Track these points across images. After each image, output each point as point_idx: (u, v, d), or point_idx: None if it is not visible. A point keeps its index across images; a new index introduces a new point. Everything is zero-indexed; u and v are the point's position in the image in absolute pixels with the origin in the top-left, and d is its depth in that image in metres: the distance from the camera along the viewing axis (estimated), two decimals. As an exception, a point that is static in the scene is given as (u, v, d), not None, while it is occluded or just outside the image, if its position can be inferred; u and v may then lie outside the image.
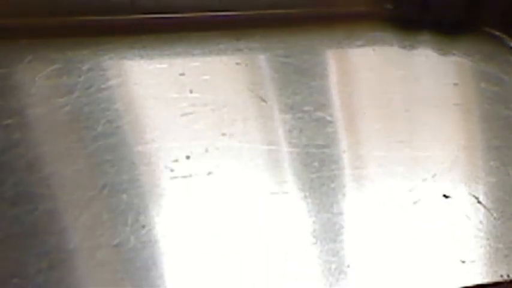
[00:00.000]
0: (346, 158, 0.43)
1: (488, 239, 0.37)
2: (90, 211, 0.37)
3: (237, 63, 0.52)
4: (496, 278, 0.35)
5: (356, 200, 0.40)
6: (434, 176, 0.42)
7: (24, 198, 0.38)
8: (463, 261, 0.35)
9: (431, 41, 0.56)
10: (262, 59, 0.53)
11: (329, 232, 0.37)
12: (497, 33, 0.57)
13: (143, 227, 0.36)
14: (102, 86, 0.48)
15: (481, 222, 0.38)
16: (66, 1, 0.54)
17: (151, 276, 0.34)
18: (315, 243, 0.36)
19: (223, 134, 0.44)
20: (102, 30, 0.53)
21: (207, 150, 0.42)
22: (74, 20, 0.54)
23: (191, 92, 0.48)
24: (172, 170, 0.41)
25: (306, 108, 0.47)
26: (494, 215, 0.39)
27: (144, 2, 0.55)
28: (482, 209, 0.39)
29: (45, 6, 0.54)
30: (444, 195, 0.40)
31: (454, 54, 0.54)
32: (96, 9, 0.54)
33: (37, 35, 0.52)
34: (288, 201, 0.39)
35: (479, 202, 0.39)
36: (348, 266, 0.35)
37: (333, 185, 0.40)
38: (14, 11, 0.53)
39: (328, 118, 0.46)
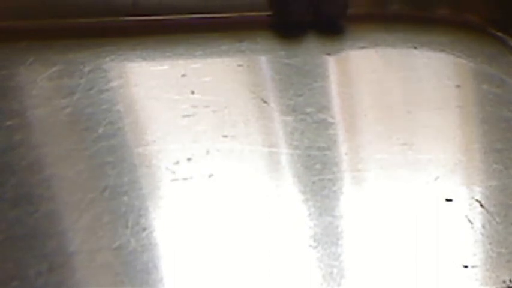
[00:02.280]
0: (347, 161, 0.43)
1: (490, 243, 0.37)
2: (91, 213, 0.37)
3: (239, 65, 0.52)
4: (498, 284, 0.34)
5: (357, 203, 0.39)
6: (436, 179, 0.41)
7: (24, 200, 0.38)
8: (465, 266, 0.35)
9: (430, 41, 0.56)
10: (264, 60, 0.53)
11: (330, 236, 0.37)
12: (500, 34, 0.57)
13: (144, 229, 0.36)
14: (104, 88, 0.48)
15: (483, 226, 0.38)
16: (67, 3, 0.54)
17: (151, 280, 0.34)
18: (316, 246, 0.36)
19: (225, 136, 0.44)
20: (104, 32, 0.53)
21: (208, 152, 0.42)
22: (75, 21, 0.54)
23: (193, 93, 0.48)
24: (173, 172, 0.41)
25: (307, 110, 0.47)
26: (497, 219, 0.38)
27: (145, 4, 0.55)
28: (485, 213, 0.39)
29: (46, 8, 0.54)
30: (446, 199, 0.40)
31: (456, 55, 0.54)
32: (98, 10, 0.54)
33: (38, 36, 0.52)
34: (289, 204, 0.39)
35: (481, 206, 0.39)
36: (350, 270, 0.35)
37: (334, 188, 0.40)
38: (15, 12, 0.53)
39: (330, 120, 0.46)
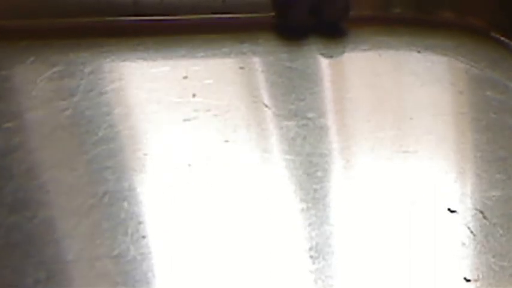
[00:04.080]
0: (349, 168, 0.42)
1: (493, 256, 0.36)
2: (90, 220, 0.37)
3: (241, 67, 0.51)
4: (501, 299, 0.34)
5: (359, 212, 0.39)
6: (438, 188, 0.41)
7: (23, 205, 0.37)
8: (467, 280, 0.35)
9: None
10: (265, 63, 0.52)
11: (331, 246, 0.36)
12: (504, 39, 0.56)
13: (143, 237, 0.36)
14: (104, 89, 0.47)
15: (486, 238, 0.37)
16: (68, 3, 0.54)
17: (150, 289, 0.33)
18: (317, 257, 0.36)
19: (226, 141, 0.43)
20: (105, 32, 0.53)
21: (209, 158, 0.42)
22: (76, 21, 0.54)
23: (194, 96, 0.47)
24: (173, 178, 0.40)
25: (309, 115, 0.46)
26: (500, 231, 0.38)
27: (146, 4, 0.55)
28: (488, 225, 0.38)
29: (47, 7, 0.53)
30: (449, 209, 0.39)
31: (459, 60, 0.54)
32: (99, 10, 0.54)
33: (39, 36, 0.52)
34: (290, 213, 0.39)
35: (484, 217, 0.39)
36: (350, 282, 0.35)
37: (336, 196, 0.40)
38: (16, 12, 0.53)
39: (332, 126, 0.46)
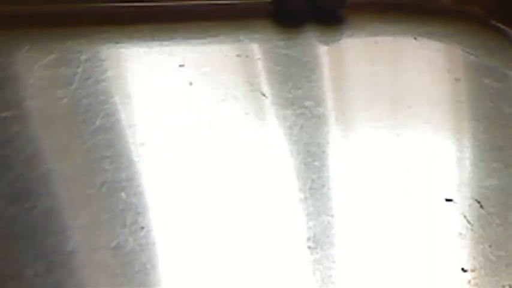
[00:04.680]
0: (347, 157, 0.42)
1: (490, 246, 0.36)
2: (89, 211, 0.37)
3: (238, 55, 0.51)
4: (497, 289, 0.34)
5: (357, 203, 0.39)
6: (435, 178, 0.41)
7: (21, 196, 0.37)
8: (464, 270, 0.35)
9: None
10: (263, 50, 0.52)
11: (329, 236, 0.36)
12: (502, 26, 0.56)
13: (142, 228, 0.36)
14: (101, 78, 0.47)
15: (482, 228, 0.38)
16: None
17: (149, 281, 0.33)
18: (315, 248, 0.36)
19: (223, 130, 0.43)
20: (101, 20, 0.53)
21: (206, 148, 0.42)
22: (72, 8, 0.53)
23: (191, 84, 0.47)
24: (171, 168, 0.40)
25: (307, 104, 0.46)
26: (497, 220, 0.38)
27: (143, -9, 0.55)
28: (484, 214, 0.38)
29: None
30: (446, 199, 0.39)
31: (456, 47, 0.54)
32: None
33: (34, 24, 0.51)
34: (287, 203, 0.39)
35: (481, 206, 0.39)
36: (349, 273, 0.35)
37: (334, 186, 0.40)
38: (11, -1, 0.53)
39: (329, 114, 0.46)
